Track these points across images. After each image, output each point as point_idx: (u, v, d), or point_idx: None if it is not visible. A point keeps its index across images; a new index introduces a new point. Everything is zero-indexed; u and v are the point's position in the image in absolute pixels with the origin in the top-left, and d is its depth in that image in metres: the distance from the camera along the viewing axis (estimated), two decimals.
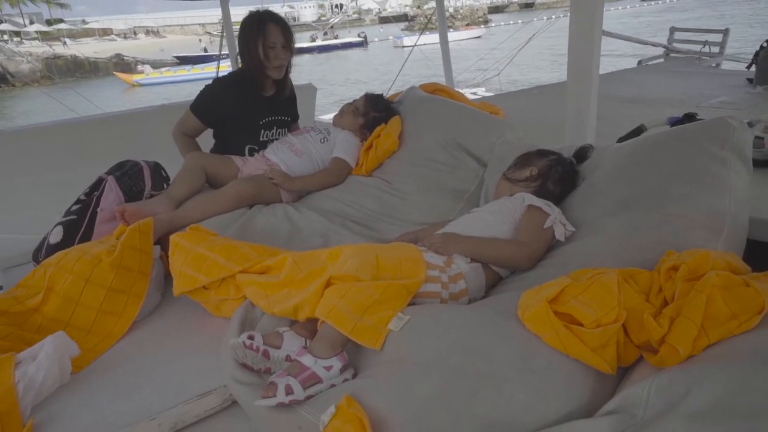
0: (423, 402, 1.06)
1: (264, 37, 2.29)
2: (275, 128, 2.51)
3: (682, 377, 0.95)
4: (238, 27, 2.41)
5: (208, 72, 23.42)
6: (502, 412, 1.03)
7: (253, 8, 2.42)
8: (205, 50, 33.42)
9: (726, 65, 5.87)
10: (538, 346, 1.12)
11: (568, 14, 2.00)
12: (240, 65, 2.44)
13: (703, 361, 1.02)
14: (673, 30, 6.31)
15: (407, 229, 2.00)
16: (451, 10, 44.43)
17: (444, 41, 5.05)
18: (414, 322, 1.23)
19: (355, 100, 2.55)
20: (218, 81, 2.44)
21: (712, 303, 1.09)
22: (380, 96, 2.60)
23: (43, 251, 1.93)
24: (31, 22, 43.77)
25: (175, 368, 1.46)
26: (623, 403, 0.97)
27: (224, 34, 4.65)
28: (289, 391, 1.14)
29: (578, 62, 2.01)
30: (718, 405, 0.86)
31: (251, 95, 2.41)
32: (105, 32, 49.87)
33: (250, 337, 1.30)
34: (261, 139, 2.46)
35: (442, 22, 5.06)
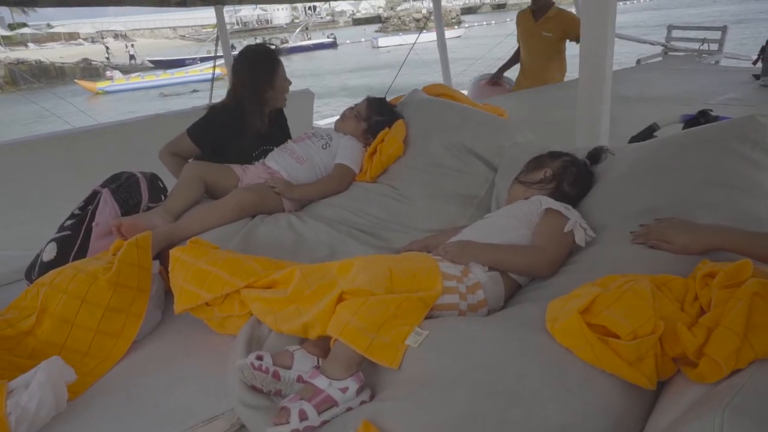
0: (448, 425, 0.98)
1: (278, 73, 2.37)
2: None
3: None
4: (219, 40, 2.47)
5: (178, 77, 22.56)
6: None
7: (252, 42, 2.43)
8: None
9: (725, 62, 5.83)
10: (570, 360, 1.04)
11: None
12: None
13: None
14: (670, 28, 6.27)
15: (415, 236, 1.92)
16: (424, 11, 44.07)
17: (441, 42, 4.98)
18: (433, 337, 1.15)
19: (356, 104, 2.47)
20: (219, 111, 2.40)
21: (756, 312, 1.01)
22: (382, 99, 2.53)
23: (36, 269, 1.84)
24: None
25: (178, 391, 1.38)
26: None
27: (219, 40, 4.58)
28: (303, 416, 1.07)
29: (591, 60, 1.93)
30: None
31: (248, 128, 2.38)
32: (71, 36, 48.04)
33: (259, 357, 1.22)
34: None
35: (439, 22, 4.98)
